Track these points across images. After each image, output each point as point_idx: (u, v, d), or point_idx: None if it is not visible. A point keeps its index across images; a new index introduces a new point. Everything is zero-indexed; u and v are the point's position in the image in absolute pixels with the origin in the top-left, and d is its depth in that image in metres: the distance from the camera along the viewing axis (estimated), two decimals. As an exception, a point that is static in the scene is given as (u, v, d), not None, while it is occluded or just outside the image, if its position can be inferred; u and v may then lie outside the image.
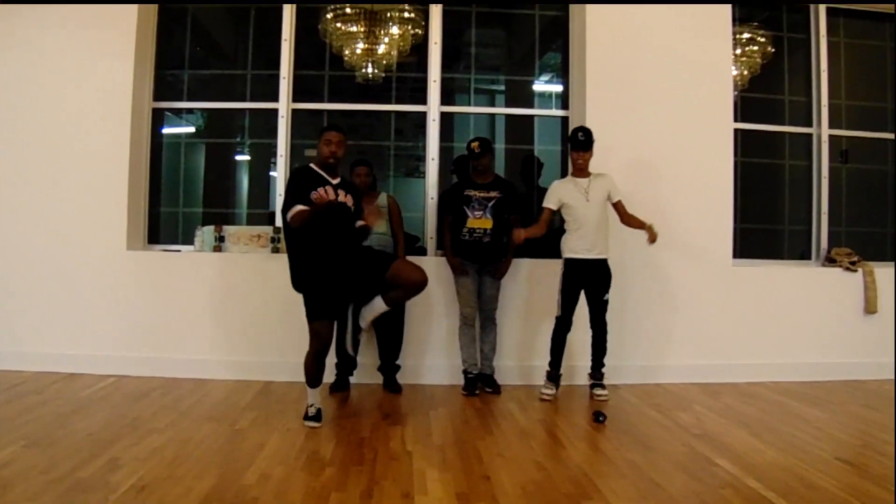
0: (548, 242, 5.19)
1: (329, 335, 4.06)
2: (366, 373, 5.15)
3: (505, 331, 5.26)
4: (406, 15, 5.68)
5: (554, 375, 4.92)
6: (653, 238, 4.68)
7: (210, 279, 5.32)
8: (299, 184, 4.08)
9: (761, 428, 4.16)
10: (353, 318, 4.26)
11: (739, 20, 5.91)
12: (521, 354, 5.33)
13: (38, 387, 4.73)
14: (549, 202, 4.89)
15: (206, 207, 5.95)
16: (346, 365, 5.02)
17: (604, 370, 4.93)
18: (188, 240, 5.59)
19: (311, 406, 4.11)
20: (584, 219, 4.80)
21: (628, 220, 4.88)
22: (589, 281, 4.84)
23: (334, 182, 4.12)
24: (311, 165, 4.20)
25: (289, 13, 5.62)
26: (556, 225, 5.09)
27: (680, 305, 5.45)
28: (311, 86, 5.86)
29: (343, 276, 4.06)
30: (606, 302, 4.87)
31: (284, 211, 4.01)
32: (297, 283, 4.16)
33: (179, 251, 5.53)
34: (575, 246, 4.84)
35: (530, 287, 5.33)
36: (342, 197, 4.09)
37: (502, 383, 5.12)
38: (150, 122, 5.60)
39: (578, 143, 4.82)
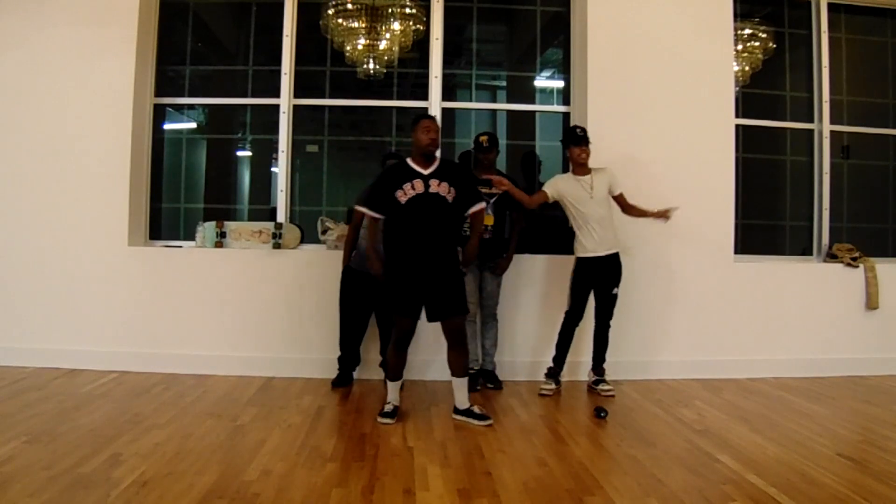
0: (557, 238, 5.21)
1: (407, 328, 4.10)
2: (368, 368, 5.17)
3: (513, 327, 5.28)
4: (407, 10, 5.67)
5: (555, 371, 4.93)
6: (666, 217, 4.80)
7: (211, 275, 5.32)
8: (384, 182, 4.13)
9: (763, 424, 4.16)
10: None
11: (741, 16, 5.89)
12: (527, 351, 5.33)
13: (39, 383, 4.74)
14: (548, 187, 4.91)
15: (207, 203, 5.94)
16: (350, 361, 5.03)
17: (605, 365, 4.95)
18: (190, 235, 5.60)
19: (388, 403, 4.19)
20: (590, 215, 4.81)
21: (631, 210, 4.92)
22: (600, 276, 4.87)
23: (426, 172, 4.08)
24: (408, 159, 4.17)
25: (290, 9, 5.62)
26: (559, 216, 5.09)
27: (681, 301, 5.45)
28: (313, 82, 5.86)
29: (425, 276, 4.08)
30: (615, 296, 4.90)
31: (358, 202, 4.15)
32: (386, 271, 4.18)
33: (181, 247, 5.54)
34: (586, 244, 4.86)
35: (540, 284, 5.33)
36: (434, 187, 4.05)
37: (509, 379, 5.13)
38: (151, 118, 5.60)
39: (579, 138, 4.83)
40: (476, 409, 4.17)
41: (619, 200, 4.90)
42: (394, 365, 4.21)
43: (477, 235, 4.29)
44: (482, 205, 4.24)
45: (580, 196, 4.82)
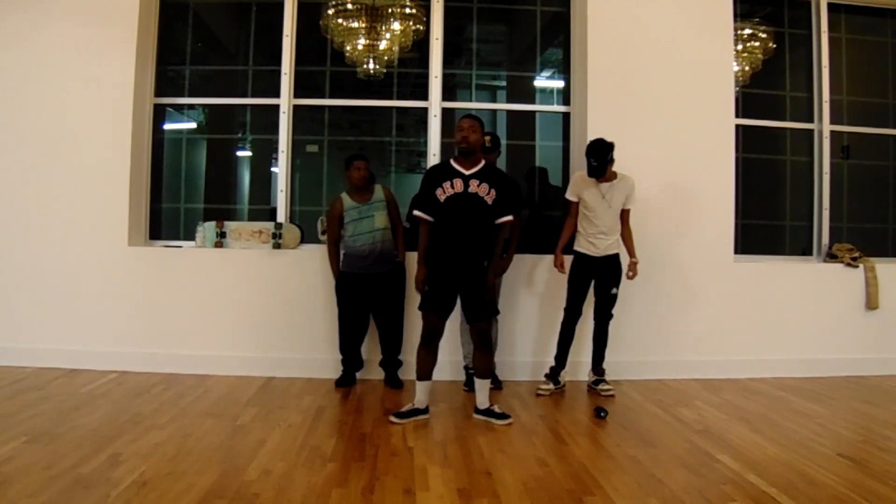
0: (557, 238, 5.21)
1: (432, 326, 4.13)
2: (369, 368, 5.16)
3: (513, 327, 5.28)
4: (407, 10, 5.67)
5: (555, 371, 4.94)
6: (631, 275, 4.85)
7: (211, 275, 5.32)
8: (427, 183, 4.20)
9: (763, 424, 4.16)
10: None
11: (741, 16, 5.89)
12: (527, 351, 5.33)
13: (39, 383, 4.73)
14: (571, 194, 4.93)
15: (207, 203, 5.94)
16: (352, 362, 5.03)
17: (604, 365, 4.95)
18: (189, 235, 5.60)
19: (411, 403, 4.20)
20: (601, 222, 4.82)
21: (624, 233, 4.91)
22: (598, 274, 4.88)
23: (468, 172, 4.10)
24: (451, 160, 4.19)
25: (290, 9, 5.61)
26: (559, 217, 5.09)
27: (681, 301, 5.45)
28: (313, 82, 5.86)
29: (459, 277, 4.12)
30: (615, 296, 4.90)
31: (411, 207, 4.24)
32: (427, 268, 4.22)
33: (181, 247, 5.54)
34: (587, 244, 4.87)
35: (540, 284, 5.33)
36: (474, 187, 4.07)
37: (509, 379, 5.14)
38: (151, 118, 5.60)
39: (592, 169, 4.75)
40: (496, 408, 4.21)
41: (622, 215, 4.87)
42: (420, 364, 4.20)
43: (499, 249, 4.34)
44: (509, 218, 4.23)
45: (595, 202, 4.82)
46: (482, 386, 4.24)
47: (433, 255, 4.19)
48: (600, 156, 4.71)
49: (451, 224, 4.10)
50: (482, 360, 4.24)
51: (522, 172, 5.91)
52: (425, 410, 4.19)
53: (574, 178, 5.01)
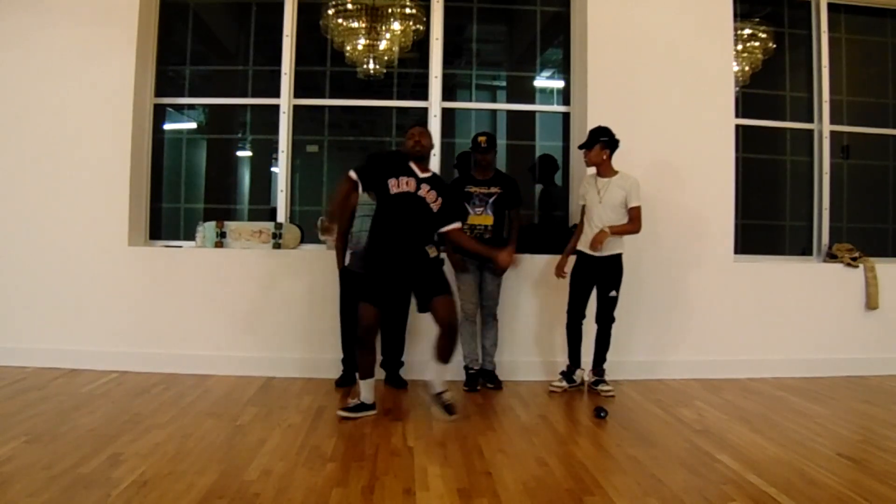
0: (557, 238, 5.22)
1: (369, 319, 4.09)
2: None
3: (513, 327, 5.27)
4: (407, 11, 5.68)
5: (570, 369, 4.96)
6: (595, 239, 4.75)
7: (211, 275, 5.32)
8: (383, 159, 4.26)
9: (763, 424, 4.16)
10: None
11: (741, 16, 5.89)
12: (527, 351, 5.33)
13: (39, 383, 4.73)
14: (579, 197, 5.01)
15: (207, 203, 5.95)
16: (353, 362, 5.02)
17: (605, 366, 4.95)
18: (190, 235, 5.60)
19: (355, 399, 4.21)
20: (596, 218, 4.81)
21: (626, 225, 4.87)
22: (598, 275, 4.86)
23: (422, 175, 4.14)
24: (410, 162, 4.19)
25: (290, 9, 5.62)
26: (558, 216, 5.09)
27: (681, 301, 5.45)
28: (313, 82, 5.87)
29: (399, 270, 4.13)
30: (614, 299, 4.87)
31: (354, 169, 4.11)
32: (364, 260, 4.29)
33: (181, 247, 5.54)
34: (586, 243, 4.86)
35: (540, 284, 5.33)
36: (424, 191, 4.10)
37: (509, 379, 5.13)
38: (151, 118, 5.60)
39: (583, 142, 4.85)
40: (446, 396, 4.24)
41: (630, 213, 4.82)
42: (359, 361, 4.21)
43: (466, 243, 4.44)
44: (456, 226, 4.24)
45: (591, 198, 4.85)
46: (441, 370, 4.23)
47: (373, 246, 4.20)
48: (594, 132, 4.81)
49: (396, 220, 4.11)
50: (447, 345, 4.15)
51: (522, 172, 5.91)
52: (372, 406, 4.21)
53: (583, 181, 5.04)
